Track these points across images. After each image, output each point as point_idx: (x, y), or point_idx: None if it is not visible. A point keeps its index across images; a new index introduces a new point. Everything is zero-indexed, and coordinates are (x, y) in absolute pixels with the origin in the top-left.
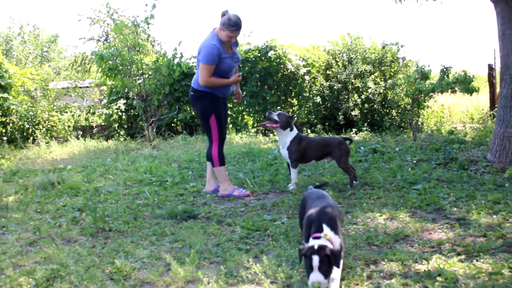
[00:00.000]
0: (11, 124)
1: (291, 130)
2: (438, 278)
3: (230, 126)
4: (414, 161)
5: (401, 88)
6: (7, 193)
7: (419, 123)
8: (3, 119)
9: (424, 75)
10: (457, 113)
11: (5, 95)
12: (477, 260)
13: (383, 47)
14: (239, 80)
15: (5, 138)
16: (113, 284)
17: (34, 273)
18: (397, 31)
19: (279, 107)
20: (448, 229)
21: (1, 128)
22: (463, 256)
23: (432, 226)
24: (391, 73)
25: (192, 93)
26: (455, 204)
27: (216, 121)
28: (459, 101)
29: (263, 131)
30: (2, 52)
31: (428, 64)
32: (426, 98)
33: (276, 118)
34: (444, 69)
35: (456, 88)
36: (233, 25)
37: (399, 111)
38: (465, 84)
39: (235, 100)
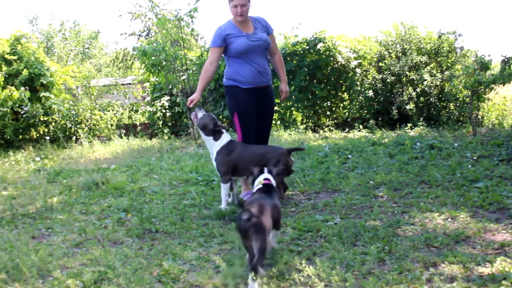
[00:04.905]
0: (53, 124)
1: None
2: (504, 282)
3: (278, 122)
4: (475, 158)
5: (459, 80)
6: (52, 194)
7: (479, 116)
8: (45, 119)
9: (484, 66)
10: None
11: (47, 93)
12: None
13: (440, 37)
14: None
15: (47, 138)
16: (162, 287)
17: (81, 275)
18: (454, 19)
19: (329, 102)
20: None
21: (43, 128)
22: None
23: (495, 227)
24: (448, 64)
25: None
26: None
27: (239, 119)
28: None
29: (312, 127)
30: (43, 49)
31: (488, 54)
32: (487, 90)
33: None
34: (506, 59)
35: None
36: None
37: (457, 104)
38: None
39: (280, 98)
